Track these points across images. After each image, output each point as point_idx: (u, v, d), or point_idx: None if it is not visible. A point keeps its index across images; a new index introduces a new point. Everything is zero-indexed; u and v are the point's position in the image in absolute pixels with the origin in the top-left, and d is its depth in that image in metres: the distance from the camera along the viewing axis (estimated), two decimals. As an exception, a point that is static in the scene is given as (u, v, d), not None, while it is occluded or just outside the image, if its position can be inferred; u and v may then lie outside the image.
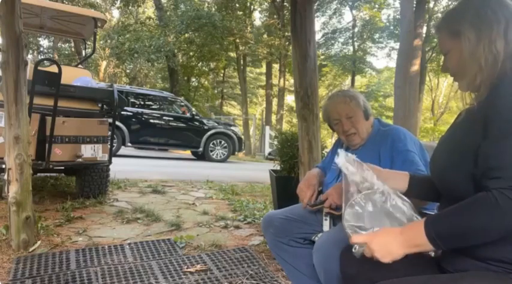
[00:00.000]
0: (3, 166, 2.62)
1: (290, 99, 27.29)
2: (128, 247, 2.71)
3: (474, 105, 1.03)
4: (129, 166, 6.86)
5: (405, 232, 0.98)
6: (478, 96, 1.04)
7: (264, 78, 25.98)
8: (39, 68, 3.26)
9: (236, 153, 11.64)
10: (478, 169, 0.94)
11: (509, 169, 0.87)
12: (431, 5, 18.43)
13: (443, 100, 29.12)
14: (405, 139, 1.70)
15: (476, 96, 1.06)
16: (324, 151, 3.26)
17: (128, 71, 22.62)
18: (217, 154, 10.78)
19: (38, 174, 4.35)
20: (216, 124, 11.15)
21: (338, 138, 2.00)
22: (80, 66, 5.57)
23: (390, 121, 12.68)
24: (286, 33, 18.09)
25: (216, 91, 26.79)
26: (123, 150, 9.59)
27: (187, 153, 12.23)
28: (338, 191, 1.67)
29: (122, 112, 8.76)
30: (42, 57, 18.46)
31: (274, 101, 22.87)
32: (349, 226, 1.11)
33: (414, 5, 11.26)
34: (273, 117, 22.36)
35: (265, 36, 21.68)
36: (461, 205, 0.92)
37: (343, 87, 24.79)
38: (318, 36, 23.74)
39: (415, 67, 10.95)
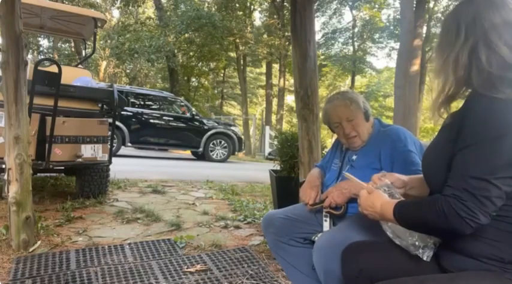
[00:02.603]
0: (3, 166, 2.62)
1: (290, 99, 27.28)
2: (127, 247, 2.71)
3: (453, 112, 1.10)
4: (129, 166, 6.85)
5: (383, 207, 1.14)
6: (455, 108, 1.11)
7: (264, 78, 25.98)
8: (39, 68, 3.25)
9: (236, 153, 11.64)
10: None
11: (456, 179, 0.97)
12: (431, 5, 18.41)
13: (444, 100, 29.08)
14: (405, 140, 1.70)
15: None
16: (323, 151, 3.25)
17: (128, 71, 22.61)
18: (217, 154, 10.77)
19: (38, 174, 4.35)
20: (216, 124, 11.14)
21: (337, 139, 2.00)
22: (80, 66, 5.57)
23: (390, 121, 12.69)
24: (286, 33, 18.09)
25: (216, 91, 26.79)
26: (123, 150, 9.59)
27: (187, 153, 12.22)
28: (338, 189, 1.67)
29: (122, 112, 8.77)
30: (42, 57, 18.45)
31: (274, 101, 22.87)
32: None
33: (414, 5, 11.26)
34: (273, 117, 22.35)
35: (265, 36, 21.68)
36: (421, 201, 1.06)
37: (344, 87, 24.77)
38: (318, 36, 23.75)
39: (415, 67, 10.94)
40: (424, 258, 1.08)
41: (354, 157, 1.82)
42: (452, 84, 1.08)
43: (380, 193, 1.19)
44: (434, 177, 1.11)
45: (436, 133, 1.21)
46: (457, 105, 1.14)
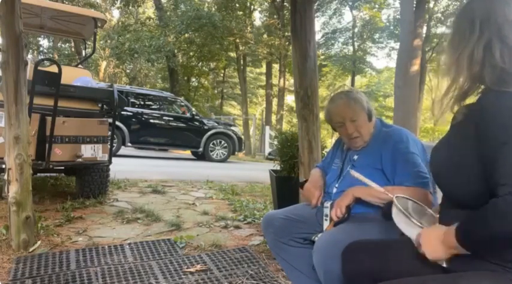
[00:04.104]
0: (3, 166, 2.62)
1: (290, 99, 27.25)
2: (128, 247, 2.71)
3: (464, 109, 1.08)
4: (129, 166, 6.85)
5: (446, 235, 1.01)
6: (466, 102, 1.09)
7: (264, 78, 25.96)
8: (39, 68, 3.25)
9: (236, 153, 11.63)
10: (489, 177, 0.96)
11: (510, 176, 0.91)
12: (431, 5, 18.41)
13: (444, 100, 29.06)
14: (407, 141, 1.69)
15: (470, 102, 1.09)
16: (324, 151, 3.25)
17: (128, 71, 22.60)
18: (217, 154, 10.77)
19: (38, 174, 4.35)
20: (216, 124, 11.14)
21: (338, 138, 2.00)
22: (80, 66, 5.57)
23: (390, 121, 12.66)
24: (286, 33, 18.08)
25: (216, 91, 26.79)
26: (123, 150, 9.58)
27: (187, 153, 12.22)
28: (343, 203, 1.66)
29: (122, 112, 8.76)
30: (42, 57, 18.40)
31: (274, 101, 22.85)
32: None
33: (414, 5, 11.25)
34: (273, 117, 22.34)
35: (265, 36, 21.67)
36: (479, 214, 0.94)
37: (345, 88, 24.70)
38: (318, 36, 23.73)
39: (415, 67, 10.93)
40: (444, 265, 1.05)
41: (355, 157, 1.81)
42: (466, 80, 1.07)
43: (430, 231, 1.08)
44: (446, 176, 1.09)
45: (446, 133, 1.19)
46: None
